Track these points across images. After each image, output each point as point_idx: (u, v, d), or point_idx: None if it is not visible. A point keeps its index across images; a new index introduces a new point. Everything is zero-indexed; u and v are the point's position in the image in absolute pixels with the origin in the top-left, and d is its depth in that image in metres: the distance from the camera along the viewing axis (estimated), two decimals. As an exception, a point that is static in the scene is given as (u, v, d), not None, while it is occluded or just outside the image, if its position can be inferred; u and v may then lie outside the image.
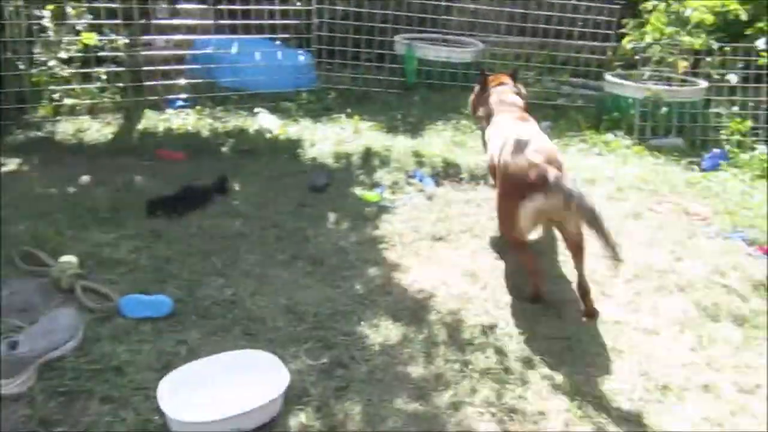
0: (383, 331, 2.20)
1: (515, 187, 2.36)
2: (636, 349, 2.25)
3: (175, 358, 1.99)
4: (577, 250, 2.42)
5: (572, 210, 2.24)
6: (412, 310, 2.34)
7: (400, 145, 4.11)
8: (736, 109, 4.75)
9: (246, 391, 1.79)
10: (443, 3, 5.15)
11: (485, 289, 2.53)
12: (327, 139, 4.17)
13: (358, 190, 3.41)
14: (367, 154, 3.92)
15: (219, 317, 2.22)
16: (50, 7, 4.18)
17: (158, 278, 2.45)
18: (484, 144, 3.11)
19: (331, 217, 3.09)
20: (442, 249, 2.86)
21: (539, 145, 2.48)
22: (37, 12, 4.10)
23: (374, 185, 3.50)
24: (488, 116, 3.10)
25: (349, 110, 4.73)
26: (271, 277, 2.51)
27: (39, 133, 4.03)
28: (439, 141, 4.32)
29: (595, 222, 2.20)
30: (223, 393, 1.83)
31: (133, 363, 1.96)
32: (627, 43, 4.97)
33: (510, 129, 2.75)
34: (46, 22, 4.14)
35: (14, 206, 2.99)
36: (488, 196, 3.49)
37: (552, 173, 2.26)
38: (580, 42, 5.28)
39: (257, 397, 1.74)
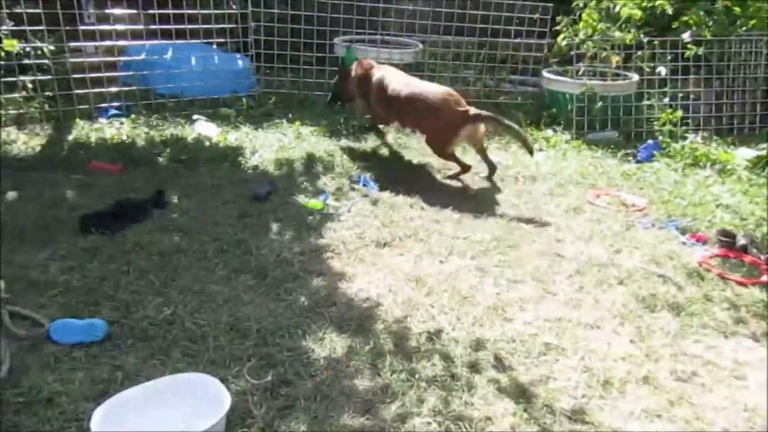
0: (328, 344, 2.17)
1: (451, 122, 3.71)
2: (578, 345, 2.29)
3: (110, 386, 1.91)
4: (482, 152, 3.94)
5: (481, 130, 3.83)
6: (358, 320, 2.32)
7: (345, 150, 4.08)
8: (666, 100, 4.92)
9: (185, 418, 1.73)
10: (381, 5, 5.13)
11: (430, 295, 2.53)
12: (268, 145, 4.10)
13: (301, 198, 3.36)
14: (310, 160, 3.88)
15: (157, 339, 2.15)
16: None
17: (92, 300, 2.35)
18: (372, 112, 4.36)
19: (274, 227, 3.03)
20: (387, 255, 2.85)
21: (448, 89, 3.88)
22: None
23: (318, 192, 3.46)
24: (364, 83, 4.15)
25: (290, 115, 4.67)
26: (212, 293, 2.44)
27: (-43, 148, 3.81)
28: (382, 143, 4.31)
29: (502, 125, 3.80)
30: (161, 421, 1.76)
31: (65, 393, 1.88)
32: (562, 40, 5.07)
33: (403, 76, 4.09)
34: (-38, 30, 3.92)
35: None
36: (430, 197, 3.51)
37: (472, 110, 3.73)
38: (517, 40, 5.36)
39: (197, 423, 1.68)
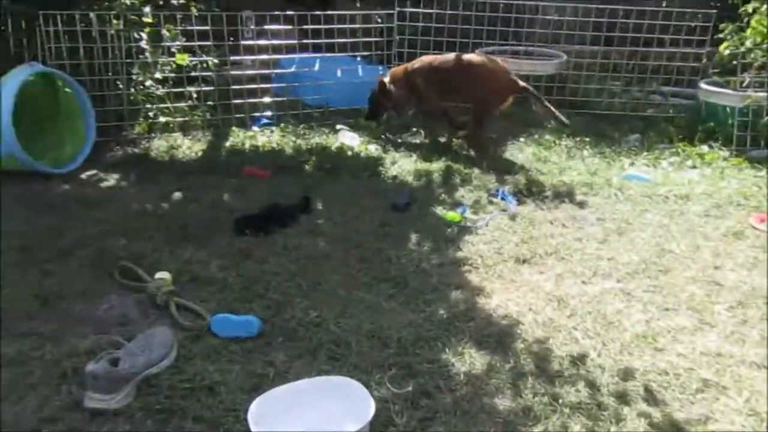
0: (468, 360, 2.16)
1: (505, 87, 4.19)
2: (742, 384, 2.10)
3: (263, 380, 2.03)
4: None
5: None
6: (497, 337, 2.29)
7: (481, 162, 4.05)
8: None
9: (334, 419, 1.80)
10: (527, 16, 5.05)
11: (573, 317, 2.44)
12: (407, 156, 4.17)
13: (439, 210, 3.38)
14: (448, 172, 3.89)
15: (305, 340, 2.25)
16: (147, 30, 4.42)
17: (246, 298, 2.52)
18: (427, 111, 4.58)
19: (413, 237, 3.08)
20: (526, 272, 2.79)
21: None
22: (135, 35, 4.33)
23: (456, 204, 3.46)
24: (410, 81, 4.36)
25: (429, 126, 4.72)
26: (355, 299, 2.52)
27: (135, 150, 4.25)
28: (521, 157, 4.23)
29: (541, 102, 4.22)
30: (311, 419, 1.84)
31: (223, 383, 2.02)
32: (724, 49, 4.69)
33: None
34: (144, 44, 4.37)
35: (113, 221, 3.16)
36: (573, 214, 3.39)
37: (521, 81, 4.21)
38: (672, 49, 5.04)
39: (345, 425, 1.74)
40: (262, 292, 2.55)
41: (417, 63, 4.40)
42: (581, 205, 3.55)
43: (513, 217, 3.32)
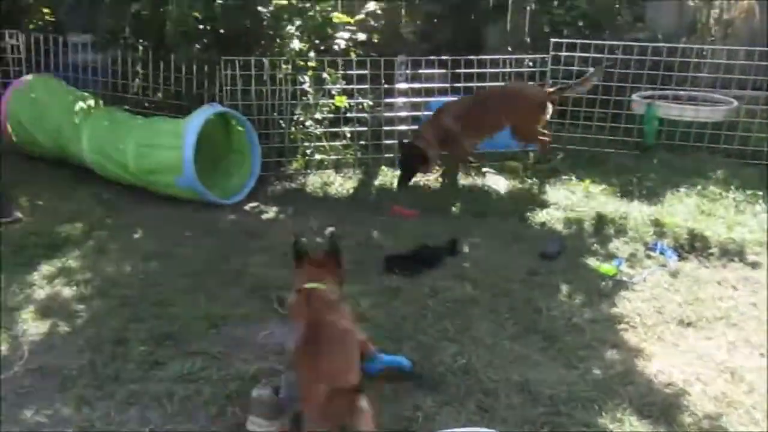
0: (628, 427, 2.03)
1: (538, 103, 4.35)
2: None
3: (411, 424, 2.05)
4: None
5: None
6: (661, 407, 2.13)
7: (637, 212, 3.85)
8: None
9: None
10: (693, 59, 4.77)
11: (751, 393, 2.21)
12: (556, 202, 4.06)
13: (592, 261, 3.24)
14: (601, 221, 3.73)
15: (453, 386, 2.24)
16: (311, 73, 4.73)
17: (395, 337, 2.56)
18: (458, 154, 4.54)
19: (564, 288, 2.97)
20: (692, 337, 2.58)
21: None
22: (301, 78, 4.65)
23: (610, 256, 3.30)
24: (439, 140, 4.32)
25: (579, 172, 4.57)
26: (504, 349, 2.47)
27: (293, 185, 4.53)
28: (682, 209, 3.95)
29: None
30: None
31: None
32: None
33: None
34: (307, 87, 4.68)
35: (272, 251, 3.37)
36: (745, 275, 3.09)
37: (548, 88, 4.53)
38: None
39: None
40: (411, 333, 2.58)
41: (445, 114, 4.39)
42: (754, 266, 3.24)
43: (674, 274, 3.10)
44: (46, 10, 5.54)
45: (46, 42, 5.10)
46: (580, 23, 5.45)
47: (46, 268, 3.11)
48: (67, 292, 2.93)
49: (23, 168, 4.40)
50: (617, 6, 5.40)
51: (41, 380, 2.31)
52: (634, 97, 4.98)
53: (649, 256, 3.32)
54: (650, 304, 2.82)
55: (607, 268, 3.14)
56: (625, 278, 3.07)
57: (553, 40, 4.88)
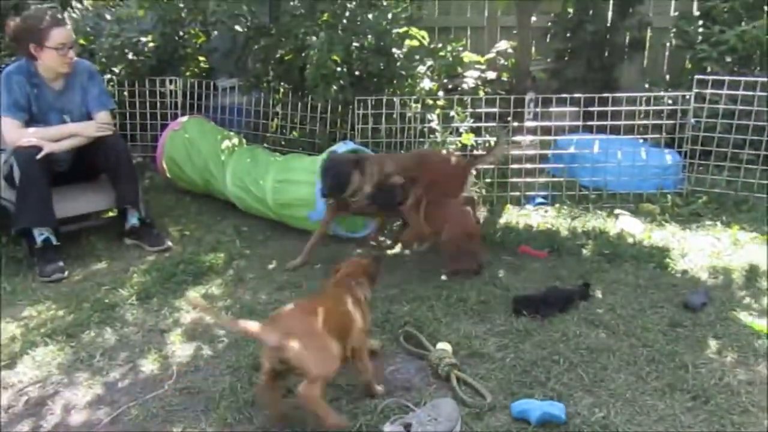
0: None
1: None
2: None
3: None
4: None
5: None
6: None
7: (798, 265, 3.49)
8: None
9: None
10: None
11: None
12: (699, 249, 3.78)
13: (743, 316, 2.97)
14: (753, 273, 3.41)
15: (590, 441, 2.12)
16: (438, 112, 4.82)
17: (526, 383, 2.48)
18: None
19: (713, 344, 2.74)
20: None
21: None
22: (429, 116, 4.75)
23: (764, 312, 3.00)
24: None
25: (724, 218, 4.24)
26: (645, 405, 2.31)
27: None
28: None
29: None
30: None
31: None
32: None
33: None
34: (435, 125, 4.77)
35: (400, 288, 3.41)
36: None
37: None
38: None
39: None
40: (541, 380, 2.49)
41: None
42: None
43: None
44: (201, 58, 6.11)
45: (200, 86, 5.62)
46: (728, 59, 5.11)
47: (191, 294, 3.36)
48: (210, 317, 3.13)
49: (173, 201, 4.82)
50: (771, 40, 5.02)
51: (188, 400, 2.47)
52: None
53: (813, 316, 2.98)
54: (816, 369, 2.52)
55: (761, 325, 2.86)
56: (786, 338, 2.77)
57: (697, 76, 4.61)
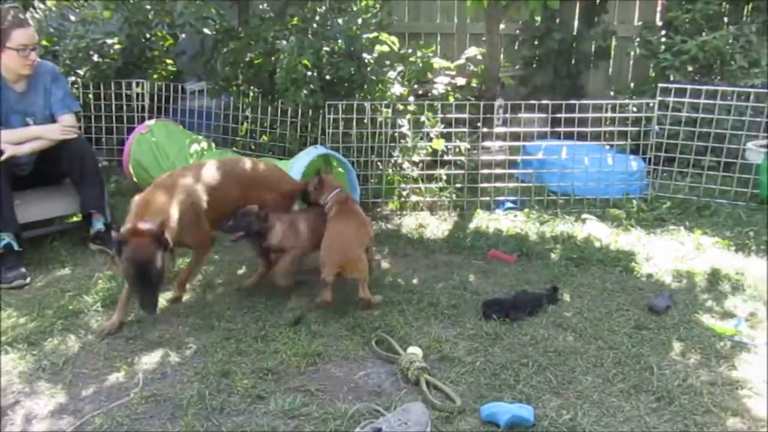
0: (757, 505, 1.85)
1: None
2: None
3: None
4: None
5: None
6: (796, 486, 1.93)
7: (755, 268, 3.59)
8: None
9: None
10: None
11: None
12: (663, 253, 3.87)
13: (706, 319, 3.04)
14: (715, 276, 3.50)
15: (559, 443, 2.15)
16: (409, 117, 4.83)
17: (495, 386, 2.50)
18: None
19: (676, 346, 2.80)
20: (829, 410, 2.34)
21: None
22: (400, 122, 4.77)
23: (726, 315, 3.08)
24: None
25: (687, 223, 4.34)
26: (611, 406, 2.35)
27: (388, 225, 4.58)
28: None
29: None
30: None
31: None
32: None
33: None
34: (406, 130, 4.78)
35: (371, 292, 3.40)
36: None
37: None
38: None
39: None
40: (512, 383, 2.52)
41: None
42: None
43: (803, 339, 2.85)
44: (169, 61, 6.02)
45: (168, 89, 5.54)
46: (689, 68, 5.25)
47: (159, 300, 3.29)
48: (177, 323, 3.08)
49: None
50: (730, 51, 5.17)
51: (154, 407, 2.43)
52: (750, 145, 4.71)
53: (772, 317, 3.08)
54: (777, 370, 2.59)
55: (724, 327, 2.94)
56: (746, 340, 2.85)
57: (660, 85, 4.73)
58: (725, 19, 5.53)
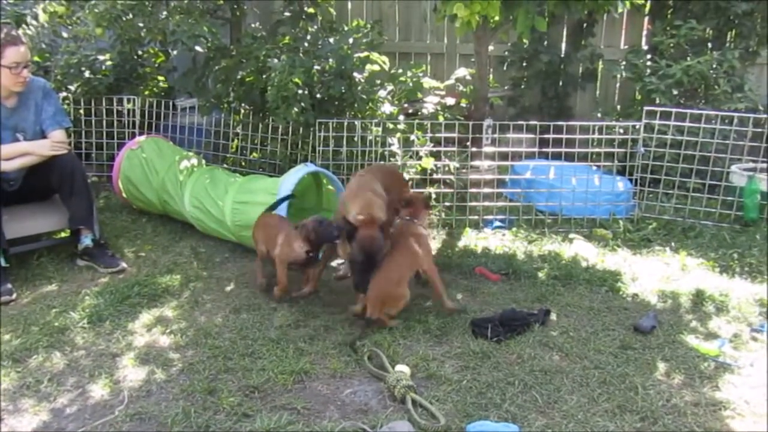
0: None
1: None
2: None
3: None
4: None
5: None
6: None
7: (740, 290, 3.63)
8: None
9: None
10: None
11: None
12: (649, 274, 3.91)
13: (690, 339, 3.07)
14: (699, 297, 3.54)
15: (543, 462, 2.15)
16: (399, 135, 4.88)
17: (481, 404, 2.51)
18: None
19: (661, 366, 2.82)
20: (810, 430, 2.37)
21: None
22: (390, 140, 4.81)
23: (711, 335, 3.12)
24: None
25: (672, 243, 4.39)
26: (597, 426, 2.37)
27: (377, 244, 4.60)
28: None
29: None
30: None
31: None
32: None
33: None
34: (396, 149, 4.82)
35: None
36: None
37: None
38: None
39: None
40: (498, 402, 2.53)
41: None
42: None
43: (786, 360, 2.88)
44: (160, 77, 6.05)
45: (159, 106, 5.56)
46: (675, 92, 5.34)
47: (146, 317, 3.29)
48: (164, 340, 3.07)
49: (129, 222, 4.73)
50: (714, 76, 5.27)
51: (139, 425, 2.41)
52: (734, 168, 4.78)
53: (755, 339, 3.10)
54: (761, 391, 2.62)
55: (708, 348, 2.96)
56: (729, 361, 2.88)
57: (646, 107, 4.81)
58: (709, 45, 5.64)
